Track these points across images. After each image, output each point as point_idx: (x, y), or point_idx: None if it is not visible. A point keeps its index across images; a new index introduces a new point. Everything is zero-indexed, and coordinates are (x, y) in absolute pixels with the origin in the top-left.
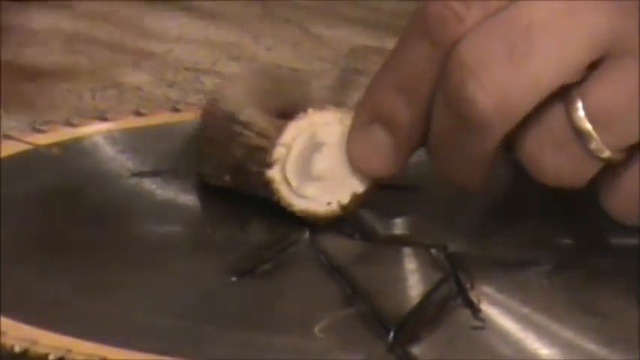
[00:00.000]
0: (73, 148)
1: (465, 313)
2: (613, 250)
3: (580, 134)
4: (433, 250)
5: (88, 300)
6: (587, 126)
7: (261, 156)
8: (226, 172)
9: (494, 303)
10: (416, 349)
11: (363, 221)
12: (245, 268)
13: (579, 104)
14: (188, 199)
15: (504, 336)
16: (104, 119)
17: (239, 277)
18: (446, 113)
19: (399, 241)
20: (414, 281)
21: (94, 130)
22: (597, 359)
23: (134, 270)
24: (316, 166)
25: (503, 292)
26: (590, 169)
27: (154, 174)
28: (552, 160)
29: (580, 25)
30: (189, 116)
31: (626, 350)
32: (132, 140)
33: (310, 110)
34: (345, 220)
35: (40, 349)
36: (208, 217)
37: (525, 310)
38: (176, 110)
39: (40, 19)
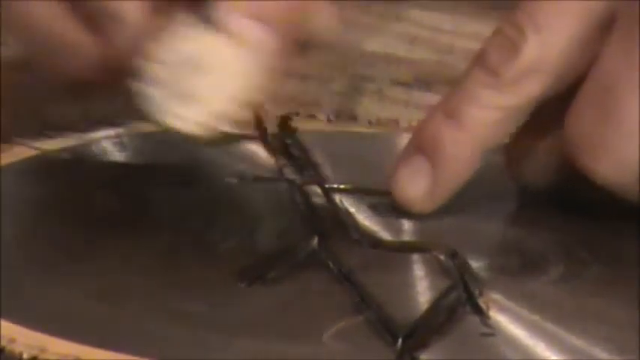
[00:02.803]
0: (81, 153)
1: (474, 320)
2: (623, 258)
3: None
4: (442, 257)
5: (97, 307)
6: None
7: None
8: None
9: (503, 310)
10: (424, 356)
11: (371, 228)
12: (254, 275)
13: None
14: (197, 205)
15: (513, 343)
16: (113, 124)
17: (248, 284)
18: None
19: (408, 248)
20: (422, 288)
21: (102, 135)
22: None
23: (143, 277)
24: (191, 85)
25: (512, 299)
26: None
27: (163, 180)
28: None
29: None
30: None
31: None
32: (141, 146)
33: (190, 30)
34: (353, 227)
35: (49, 357)
36: (217, 223)
37: (534, 317)
38: None
39: None
